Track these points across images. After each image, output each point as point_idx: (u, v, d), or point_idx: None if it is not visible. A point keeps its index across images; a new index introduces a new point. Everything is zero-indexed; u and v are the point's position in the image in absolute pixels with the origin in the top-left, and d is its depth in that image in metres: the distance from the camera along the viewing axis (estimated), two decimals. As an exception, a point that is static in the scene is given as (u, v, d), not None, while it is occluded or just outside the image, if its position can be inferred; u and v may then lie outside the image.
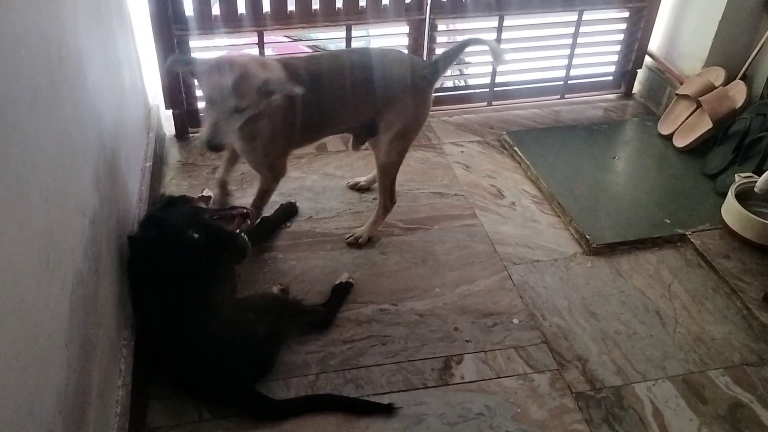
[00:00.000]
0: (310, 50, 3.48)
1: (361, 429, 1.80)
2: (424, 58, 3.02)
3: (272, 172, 2.25)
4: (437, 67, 2.24)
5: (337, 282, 2.22)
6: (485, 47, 2.34)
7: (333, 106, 2.18)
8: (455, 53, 2.25)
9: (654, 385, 1.95)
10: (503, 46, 3.15)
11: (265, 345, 1.93)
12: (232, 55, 2.38)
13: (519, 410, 1.87)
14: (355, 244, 2.41)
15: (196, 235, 1.83)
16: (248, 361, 1.86)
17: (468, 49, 3.31)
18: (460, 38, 3.42)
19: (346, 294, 2.21)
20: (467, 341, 2.08)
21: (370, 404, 1.86)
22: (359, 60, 2.20)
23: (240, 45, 2.91)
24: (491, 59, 2.39)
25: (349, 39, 2.96)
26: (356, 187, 2.72)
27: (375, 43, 3.20)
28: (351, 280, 2.24)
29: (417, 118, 2.27)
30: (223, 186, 2.47)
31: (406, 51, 3.11)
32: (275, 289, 2.18)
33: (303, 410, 1.84)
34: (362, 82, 2.17)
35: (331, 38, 3.31)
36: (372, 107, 2.22)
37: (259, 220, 2.33)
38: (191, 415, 1.82)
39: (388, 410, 1.84)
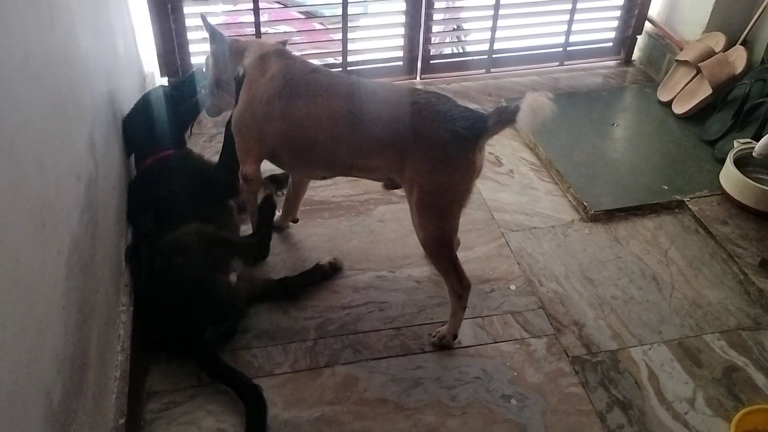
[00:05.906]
0: (303, 16, 3.43)
1: (359, 392, 1.82)
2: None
3: (241, 159, 2.01)
4: (479, 122, 1.71)
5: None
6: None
7: (316, 135, 1.85)
8: (512, 114, 1.68)
9: (650, 349, 1.96)
10: (501, 11, 3.12)
11: (222, 292, 1.89)
12: None
13: (515, 374, 1.88)
14: (440, 345, 1.95)
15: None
16: (199, 303, 1.85)
17: (465, 15, 3.30)
18: (458, 3, 3.39)
19: (269, 219, 2.15)
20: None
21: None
22: (368, 89, 1.84)
23: (234, 11, 2.87)
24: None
25: (345, 5, 2.92)
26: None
27: (372, 9, 3.14)
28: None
29: (440, 182, 1.73)
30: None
31: (402, 30, 3.06)
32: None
33: (226, 382, 1.80)
34: (365, 117, 1.79)
35: (325, 2, 3.24)
36: (377, 155, 1.81)
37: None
38: (190, 379, 1.83)
39: None
